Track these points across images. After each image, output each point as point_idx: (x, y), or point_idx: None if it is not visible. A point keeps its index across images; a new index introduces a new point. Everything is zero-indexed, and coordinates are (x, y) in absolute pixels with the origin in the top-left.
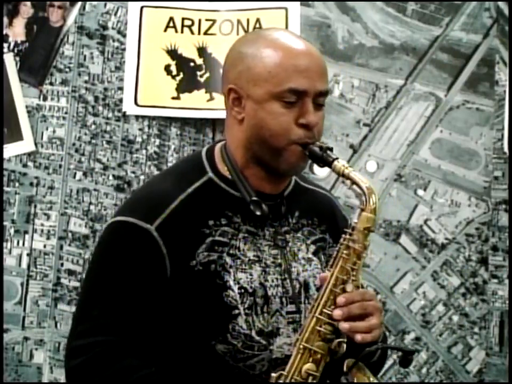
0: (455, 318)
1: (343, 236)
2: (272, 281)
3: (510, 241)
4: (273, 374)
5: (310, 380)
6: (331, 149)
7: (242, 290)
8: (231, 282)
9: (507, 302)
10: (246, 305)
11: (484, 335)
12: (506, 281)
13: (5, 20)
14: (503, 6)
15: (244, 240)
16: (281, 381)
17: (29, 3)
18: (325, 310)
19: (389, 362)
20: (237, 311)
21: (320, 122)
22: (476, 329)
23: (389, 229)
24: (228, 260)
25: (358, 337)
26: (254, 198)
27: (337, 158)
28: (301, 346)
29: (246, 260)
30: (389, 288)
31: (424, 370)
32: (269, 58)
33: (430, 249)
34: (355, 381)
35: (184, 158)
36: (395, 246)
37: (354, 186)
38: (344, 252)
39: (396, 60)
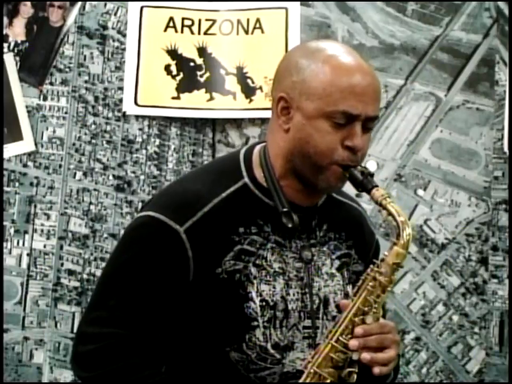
0: (455, 318)
1: (371, 266)
2: (294, 295)
3: (510, 241)
4: None
5: None
6: (372, 175)
7: (264, 303)
8: (254, 294)
9: (507, 302)
10: (265, 318)
11: (483, 335)
12: (506, 281)
13: (5, 19)
14: (503, 6)
15: (271, 250)
16: None
17: (29, 3)
18: (341, 338)
19: None
20: (255, 323)
21: (366, 147)
22: (476, 329)
23: (389, 229)
24: (253, 270)
25: (377, 370)
26: (286, 209)
27: (377, 186)
28: (312, 371)
29: (271, 271)
30: None
31: (424, 370)
32: (326, 75)
33: (430, 249)
34: None
35: (222, 157)
36: None
37: (390, 218)
38: (370, 283)
39: (396, 59)
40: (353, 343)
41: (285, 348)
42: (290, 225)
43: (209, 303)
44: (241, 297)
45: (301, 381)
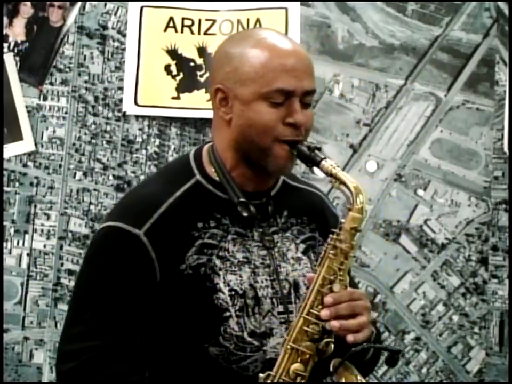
0: (455, 318)
1: (331, 236)
2: (262, 282)
3: (510, 241)
4: (261, 375)
5: (298, 380)
6: (319, 149)
7: (233, 292)
8: (221, 285)
9: (507, 302)
10: (237, 307)
11: (484, 335)
12: (506, 281)
13: (5, 19)
14: (503, 6)
15: (233, 241)
16: (269, 381)
17: (29, 3)
18: (312, 310)
19: None
20: (228, 313)
21: (309, 122)
22: (476, 329)
23: (389, 229)
24: (217, 262)
25: (350, 338)
26: (242, 200)
27: (325, 158)
28: (288, 347)
29: (235, 261)
30: (389, 288)
31: (424, 370)
32: (255, 58)
33: (430, 249)
34: (343, 381)
35: (172, 160)
36: (395, 246)
37: (342, 186)
38: (331, 252)
39: (396, 59)
40: (324, 312)
41: (263, 335)
42: (246, 214)
43: (180, 301)
44: (209, 290)
45: (279, 359)
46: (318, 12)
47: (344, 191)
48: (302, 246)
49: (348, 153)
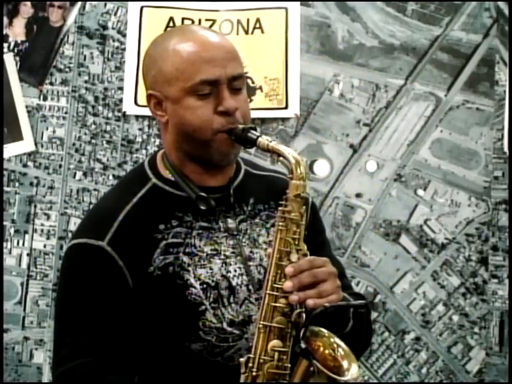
0: (455, 318)
1: (279, 208)
2: (235, 271)
3: (510, 241)
4: (241, 359)
5: (278, 356)
6: (254, 128)
7: (205, 286)
8: (192, 280)
9: (507, 302)
10: (211, 300)
11: (484, 335)
12: (506, 281)
13: (5, 19)
14: (503, 6)
15: (198, 236)
16: (250, 364)
17: (29, 3)
18: (275, 285)
19: (388, 362)
20: (203, 307)
21: (244, 106)
22: (476, 329)
23: (389, 229)
24: (185, 258)
25: (310, 302)
26: (199, 194)
27: (260, 135)
28: (261, 326)
29: (203, 255)
30: (389, 288)
31: (424, 370)
32: (175, 56)
33: (430, 249)
34: (315, 347)
35: (128, 171)
36: (395, 246)
37: (282, 159)
38: (281, 223)
39: (396, 59)
40: (287, 284)
41: (243, 323)
42: (204, 208)
43: (154, 303)
44: (180, 287)
45: (255, 340)
46: (318, 12)
47: (284, 163)
48: (272, 230)
49: (348, 153)
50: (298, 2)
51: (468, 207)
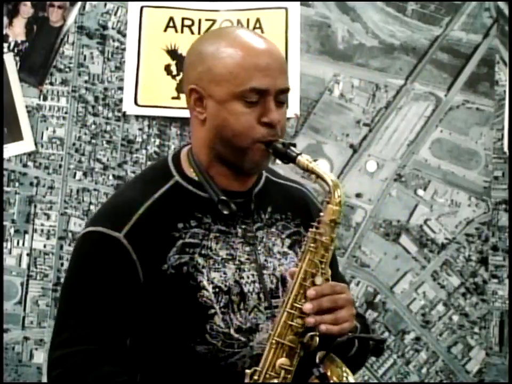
0: (455, 318)
1: (310, 229)
2: (248, 277)
3: (510, 241)
4: (247, 371)
5: (284, 374)
6: (294, 145)
7: (217, 289)
8: (205, 282)
9: (507, 302)
10: (221, 304)
11: (484, 335)
12: (506, 281)
13: (5, 19)
14: (503, 6)
15: (215, 239)
16: (256, 377)
17: (29, 3)
18: (295, 304)
19: (388, 362)
20: (213, 311)
21: (283, 120)
22: (476, 329)
23: (389, 229)
24: (200, 260)
25: (323, 327)
26: (222, 198)
27: (300, 154)
28: (273, 341)
29: (218, 259)
30: (389, 288)
31: (424, 370)
32: (229, 58)
33: (430, 249)
34: (328, 373)
35: (151, 164)
36: (395, 246)
37: (320, 180)
38: (311, 245)
39: (396, 59)
40: (307, 306)
41: (249, 331)
42: (226, 212)
43: (164, 301)
44: (192, 288)
45: (265, 354)
46: (318, 12)
47: (322, 185)
48: (287, 241)
49: (347, 153)
50: (298, 2)
51: (468, 207)
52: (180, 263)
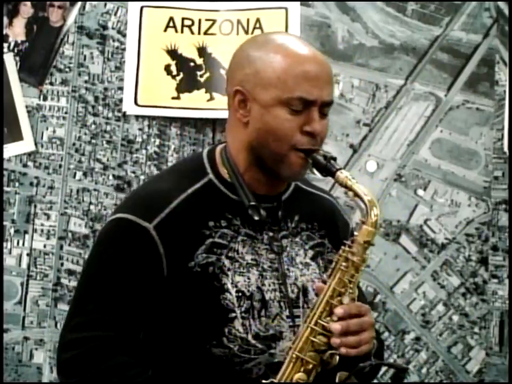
0: (455, 318)
1: (343, 247)
2: (269, 285)
3: (510, 241)
4: (264, 381)
5: None
6: (335, 159)
7: (240, 294)
8: (229, 285)
9: (507, 302)
10: (243, 309)
11: (484, 335)
12: (506, 281)
13: (5, 19)
14: (503, 6)
15: (242, 243)
16: None
17: (29, 3)
18: (320, 321)
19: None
20: (233, 314)
21: (324, 132)
22: (476, 329)
23: (389, 229)
24: (226, 262)
25: (343, 350)
26: (252, 203)
27: (340, 168)
28: (294, 356)
29: (244, 263)
30: (389, 288)
31: (424, 370)
32: (278, 63)
33: (430, 249)
34: None
35: (185, 157)
36: (395, 246)
37: (357, 198)
38: (343, 264)
39: (396, 59)
40: (335, 327)
41: (273, 338)
42: (257, 218)
43: (186, 298)
44: (216, 289)
45: (283, 367)
46: (318, 12)
47: (358, 203)
48: (310, 252)
49: (348, 153)
50: (298, 2)
51: (468, 207)
52: (206, 262)
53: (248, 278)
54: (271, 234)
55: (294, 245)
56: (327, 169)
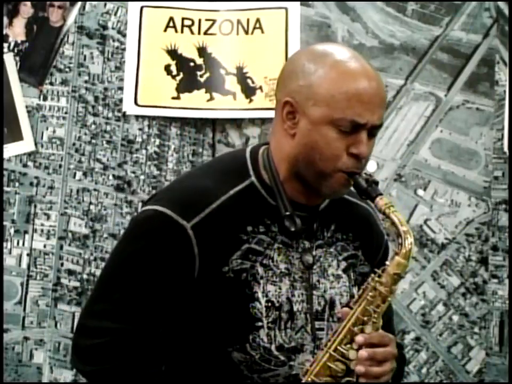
0: (455, 318)
1: (372, 275)
2: (298, 296)
3: (510, 241)
4: None
5: None
6: (377, 183)
7: (269, 304)
8: (260, 294)
9: (507, 302)
10: (270, 319)
11: (484, 335)
12: (506, 281)
13: (5, 19)
14: (503, 6)
15: (278, 250)
16: None
17: (29, 3)
18: (339, 348)
19: None
20: (260, 324)
21: (370, 153)
22: (476, 329)
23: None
24: (260, 270)
25: (363, 380)
26: (288, 213)
27: (381, 194)
28: (309, 379)
29: (277, 272)
30: None
31: (424, 370)
32: (334, 81)
33: (430, 249)
34: None
35: (227, 155)
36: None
37: (392, 227)
38: (370, 293)
39: (396, 59)
40: (361, 353)
41: (294, 350)
42: (293, 229)
43: (214, 301)
44: (247, 297)
45: None
46: (318, 12)
47: (394, 232)
48: (343, 264)
49: None
50: (298, 2)
51: (468, 207)
52: (240, 268)
53: (280, 288)
54: (306, 244)
55: (328, 255)
56: (368, 193)
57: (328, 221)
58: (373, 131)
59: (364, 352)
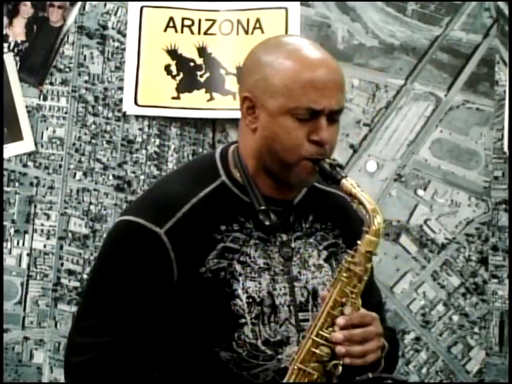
0: (455, 318)
1: (345, 257)
2: (280, 289)
3: (510, 241)
4: None
5: None
6: (341, 166)
7: (250, 300)
8: (240, 291)
9: (507, 302)
10: (253, 315)
11: (484, 335)
12: (506, 281)
13: (5, 19)
14: (503, 6)
15: (254, 246)
16: None
17: (29, 3)
18: (321, 332)
19: None
20: (243, 320)
21: (333, 139)
22: (476, 329)
23: (389, 229)
24: (238, 267)
25: (347, 360)
26: (263, 208)
27: (345, 176)
28: (296, 367)
29: (256, 267)
30: (389, 288)
31: (424, 370)
32: (287, 71)
33: (430, 249)
34: None
35: (197, 158)
36: (395, 246)
37: (360, 206)
38: (344, 274)
39: (396, 59)
40: (337, 336)
41: (279, 344)
42: (267, 223)
43: (196, 303)
44: (227, 295)
45: (285, 379)
46: (318, 12)
47: (362, 212)
48: (324, 253)
49: (348, 153)
50: (298, 2)
51: (468, 207)
52: (218, 267)
53: (260, 283)
54: (284, 237)
55: (308, 246)
56: (332, 177)
57: (305, 212)
58: (333, 116)
59: (339, 335)
